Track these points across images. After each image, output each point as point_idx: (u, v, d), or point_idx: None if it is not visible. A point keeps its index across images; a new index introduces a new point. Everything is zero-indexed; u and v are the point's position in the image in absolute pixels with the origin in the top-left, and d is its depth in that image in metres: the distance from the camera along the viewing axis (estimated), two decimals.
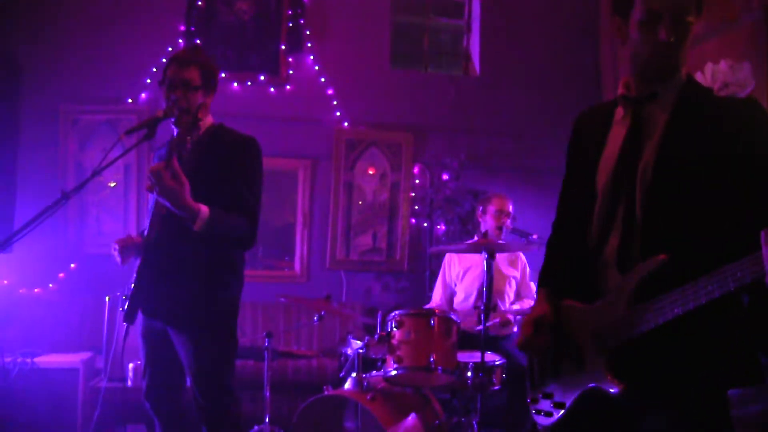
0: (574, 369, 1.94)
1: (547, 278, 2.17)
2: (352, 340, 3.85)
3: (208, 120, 3.02)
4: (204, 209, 2.66)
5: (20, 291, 5.32)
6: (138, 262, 2.76)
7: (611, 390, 1.80)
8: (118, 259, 2.87)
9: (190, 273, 2.84)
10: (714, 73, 5.01)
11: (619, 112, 2.01)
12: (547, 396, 2.03)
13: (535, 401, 2.09)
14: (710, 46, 4.90)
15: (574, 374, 1.94)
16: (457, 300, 4.74)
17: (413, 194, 6.11)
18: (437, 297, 4.84)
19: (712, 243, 1.74)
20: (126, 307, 2.65)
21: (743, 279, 1.53)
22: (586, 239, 1.97)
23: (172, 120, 2.86)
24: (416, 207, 6.11)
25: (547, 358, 2.04)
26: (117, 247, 2.87)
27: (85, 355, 4.88)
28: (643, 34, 1.84)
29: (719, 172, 1.77)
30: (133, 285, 2.68)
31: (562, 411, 1.96)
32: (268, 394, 4.04)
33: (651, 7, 1.81)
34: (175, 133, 2.97)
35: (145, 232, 2.80)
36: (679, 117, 1.86)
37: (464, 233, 5.80)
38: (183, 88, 2.89)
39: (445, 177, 6.04)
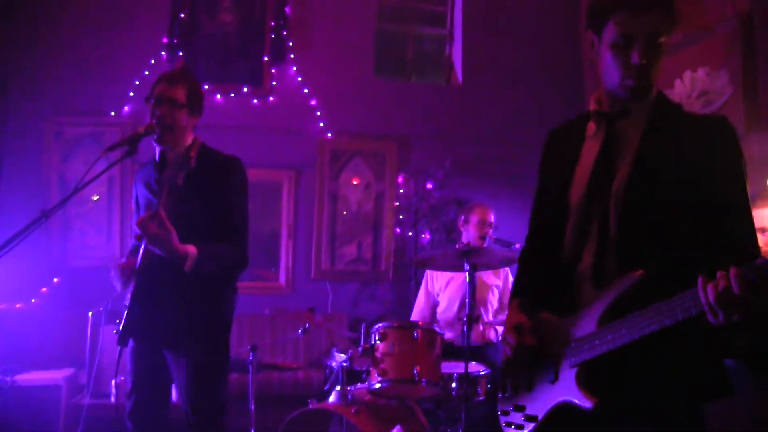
0: (547, 382, 1.94)
1: (520, 290, 2.17)
2: (336, 353, 3.84)
3: (188, 140, 2.99)
4: (192, 251, 2.68)
5: (0, 306, 5.26)
6: (130, 286, 2.76)
7: (584, 405, 1.80)
8: (119, 285, 2.85)
9: (186, 294, 2.83)
10: (692, 81, 5.05)
11: (591, 127, 2.01)
12: (519, 408, 2.02)
13: (505, 413, 2.08)
14: (689, 54, 4.94)
15: (546, 388, 1.94)
16: (440, 310, 4.75)
17: (398, 204, 6.12)
18: (419, 308, 4.83)
19: (686, 259, 1.75)
20: (120, 330, 2.64)
21: (689, 311, 1.58)
22: (559, 253, 1.97)
23: (154, 137, 2.87)
24: (401, 216, 6.12)
25: (521, 370, 2.04)
26: (119, 272, 2.83)
27: (67, 372, 4.83)
28: (616, 55, 1.84)
29: (691, 189, 1.79)
30: (126, 310, 2.67)
31: (534, 424, 1.95)
32: (253, 407, 4.03)
33: (625, 29, 1.81)
34: (156, 152, 2.97)
35: (138, 258, 2.76)
36: (652, 134, 1.87)
37: (449, 242, 5.81)
38: (169, 104, 2.88)
39: (430, 186, 6.05)
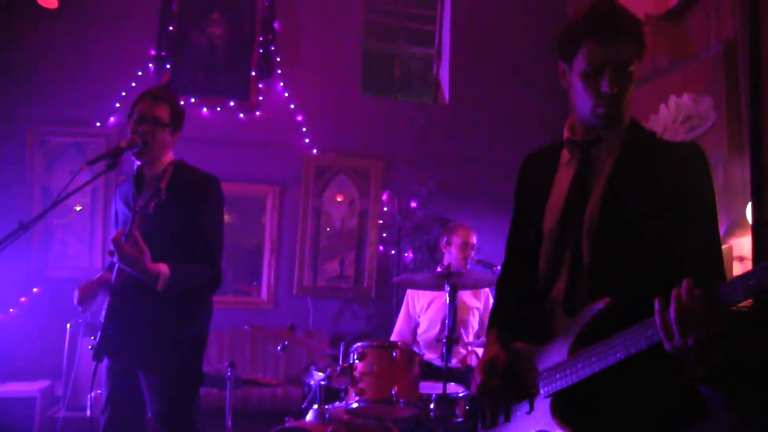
0: (524, 412, 1.93)
1: (496, 319, 2.17)
2: (314, 372, 3.83)
3: (168, 157, 3.00)
4: (164, 270, 2.68)
5: None
6: (106, 301, 2.77)
7: None
8: (77, 303, 2.87)
9: (159, 314, 2.81)
10: (677, 106, 5.09)
11: (565, 155, 2.02)
12: None
13: None
14: (674, 79, 4.98)
15: (523, 418, 1.93)
16: (421, 331, 4.74)
17: (381, 222, 6.12)
18: (400, 328, 4.82)
19: (658, 285, 1.73)
20: (95, 345, 2.66)
21: (652, 338, 1.60)
22: (533, 281, 1.97)
23: (134, 152, 2.87)
24: (384, 234, 6.12)
25: (499, 400, 2.03)
26: (78, 296, 2.87)
27: (42, 384, 4.78)
28: (586, 84, 1.85)
29: (663, 217, 1.79)
30: (101, 329, 2.68)
31: None
32: (230, 423, 4.01)
33: (595, 59, 1.82)
34: (135, 166, 2.97)
35: (113, 276, 2.78)
36: (624, 161, 1.88)
37: (432, 261, 5.81)
38: (152, 123, 2.89)
39: (414, 205, 6.06)
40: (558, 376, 1.82)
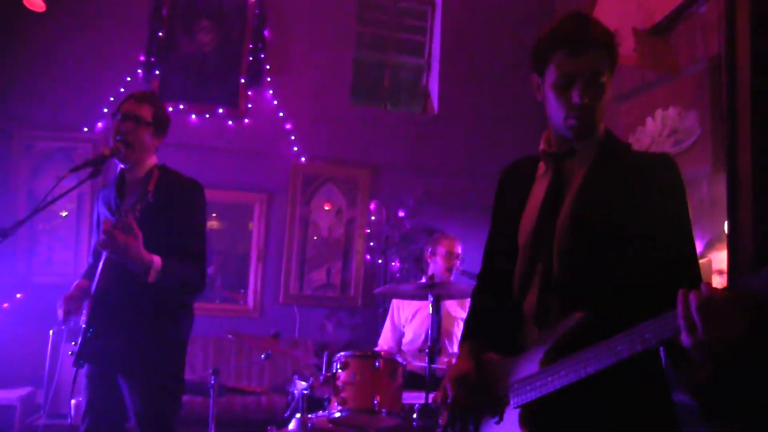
0: (493, 423, 1.93)
1: (470, 331, 2.16)
2: (297, 380, 3.81)
3: (151, 161, 3.00)
4: (157, 260, 2.69)
5: None
6: (87, 305, 2.77)
7: None
8: (60, 315, 2.86)
9: (141, 319, 2.81)
10: (663, 120, 5.12)
11: (542, 167, 2.02)
12: None
13: None
14: (661, 93, 5.01)
15: (492, 429, 1.93)
16: (406, 340, 4.73)
17: (368, 231, 6.13)
18: (385, 338, 4.81)
19: (628, 298, 1.76)
20: (76, 351, 2.66)
21: (649, 341, 1.54)
22: (507, 293, 1.97)
23: (118, 158, 2.88)
24: (371, 244, 6.12)
25: (470, 411, 2.02)
26: (62, 303, 2.86)
27: (23, 391, 4.75)
28: (558, 96, 1.85)
29: (633, 228, 1.79)
30: (82, 334, 2.68)
31: None
32: (212, 431, 3.99)
33: (565, 70, 1.82)
34: (117, 170, 2.98)
35: (95, 282, 2.77)
36: (595, 174, 1.88)
37: (418, 271, 5.81)
38: (133, 121, 2.89)
39: (401, 214, 6.07)
40: (528, 387, 1.82)
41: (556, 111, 1.88)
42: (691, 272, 1.80)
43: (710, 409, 2.96)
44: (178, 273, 2.78)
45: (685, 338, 1.47)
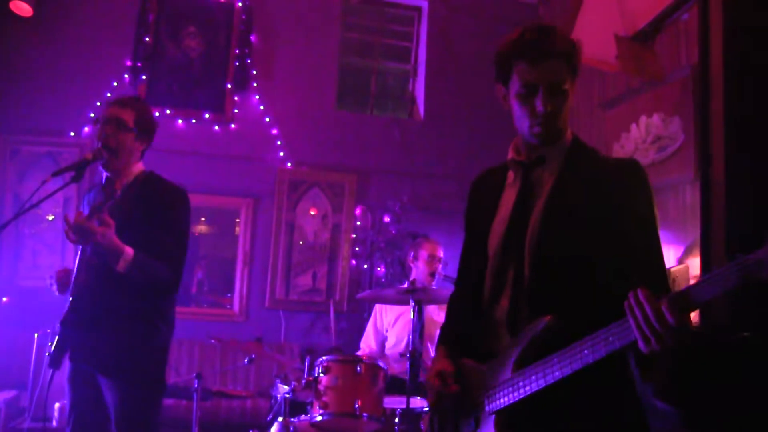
0: (470, 429, 1.96)
1: (445, 337, 2.20)
2: (279, 384, 3.84)
3: (138, 167, 3.01)
4: (129, 251, 2.69)
5: None
6: (65, 306, 2.77)
7: None
8: (56, 290, 2.89)
9: (119, 320, 2.82)
10: (647, 126, 5.17)
11: (511, 175, 2.06)
12: None
13: None
14: (644, 99, 5.06)
15: None
16: (388, 345, 4.76)
17: (354, 236, 6.15)
18: (367, 342, 4.84)
19: (598, 302, 1.79)
20: (52, 352, 2.65)
21: (612, 344, 1.59)
22: (480, 301, 2.00)
23: (101, 163, 2.89)
24: (357, 248, 6.15)
25: (447, 416, 2.06)
26: (55, 279, 2.88)
27: (8, 394, 4.76)
28: (522, 104, 1.91)
29: (601, 233, 1.82)
30: (59, 332, 2.68)
31: None
32: None
33: (527, 80, 1.88)
34: (104, 177, 2.99)
35: (71, 281, 2.79)
36: (563, 180, 1.92)
37: (404, 276, 5.83)
38: (115, 125, 2.90)
39: (387, 219, 6.10)
40: (501, 393, 1.85)
41: (521, 119, 1.93)
42: (657, 277, 1.82)
43: (688, 416, 3.01)
44: (149, 268, 2.78)
45: (642, 347, 1.54)
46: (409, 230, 6.03)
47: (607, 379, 1.79)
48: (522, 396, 1.79)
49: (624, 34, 4.82)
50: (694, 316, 3.32)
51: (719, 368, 2.99)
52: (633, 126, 5.22)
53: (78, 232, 2.61)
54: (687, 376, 3.01)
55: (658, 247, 1.87)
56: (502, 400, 1.85)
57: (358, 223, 6.16)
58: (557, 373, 1.70)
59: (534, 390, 1.76)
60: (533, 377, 1.76)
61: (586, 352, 1.64)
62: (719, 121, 3.43)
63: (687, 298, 1.49)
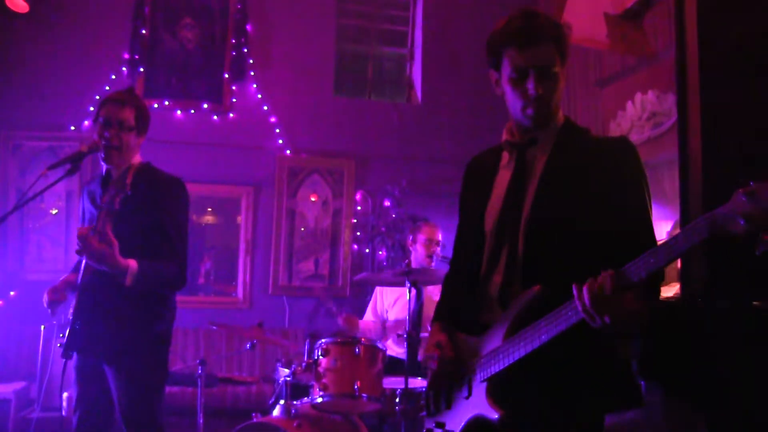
0: (462, 398, 2.02)
1: (440, 313, 2.26)
2: (280, 368, 3.89)
3: (135, 159, 3.06)
4: (132, 265, 2.75)
5: None
6: (74, 299, 2.84)
7: (492, 417, 1.88)
8: (47, 307, 2.95)
9: (123, 309, 2.87)
10: (643, 103, 5.17)
11: (505, 156, 2.11)
12: (440, 425, 2.08)
13: (429, 431, 2.16)
14: (640, 77, 5.06)
15: (462, 403, 2.02)
16: (389, 326, 4.81)
17: (355, 221, 6.19)
18: (367, 324, 4.87)
19: (587, 275, 1.81)
20: (64, 343, 2.73)
21: (570, 319, 1.72)
22: (475, 279, 2.06)
23: (101, 155, 2.94)
24: (358, 233, 6.19)
25: (441, 388, 2.12)
26: (47, 299, 2.95)
27: (18, 385, 4.84)
28: (514, 89, 1.96)
29: (593, 210, 1.88)
30: (69, 326, 2.75)
31: None
32: (201, 421, 4.05)
33: (517, 64, 1.93)
34: (103, 168, 3.04)
35: (80, 275, 2.84)
36: (555, 160, 1.98)
37: (405, 259, 5.86)
38: (117, 127, 2.94)
39: (387, 204, 6.13)
40: (492, 361, 1.91)
41: (514, 103, 1.99)
42: (646, 244, 1.83)
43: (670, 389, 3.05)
44: (155, 274, 2.84)
45: (590, 322, 1.67)
46: (409, 214, 6.07)
47: (596, 343, 1.84)
48: (512, 361, 1.85)
49: (613, 12, 4.82)
50: (676, 289, 3.37)
51: (699, 340, 3.02)
52: (629, 103, 5.22)
53: (81, 244, 2.67)
54: (666, 351, 3.05)
55: (648, 224, 1.92)
56: (493, 368, 1.91)
57: (359, 208, 6.20)
58: (543, 336, 1.77)
59: (523, 354, 1.82)
60: (522, 343, 1.82)
61: (570, 313, 1.71)
62: (695, 97, 3.44)
63: (627, 272, 1.63)
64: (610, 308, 1.63)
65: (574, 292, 1.67)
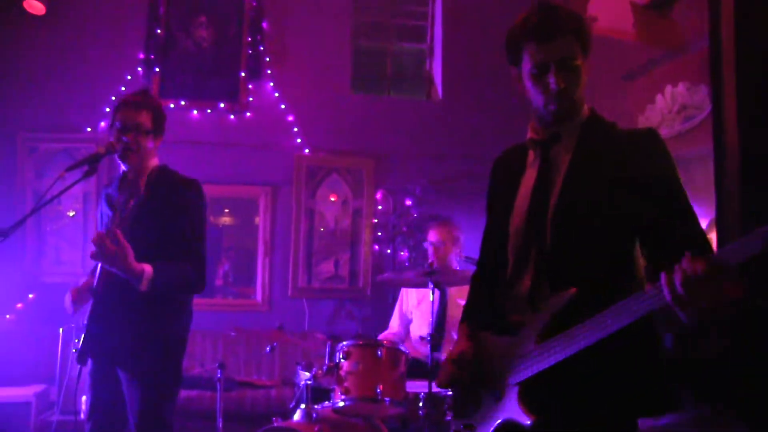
0: (492, 401, 1.98)
1: (469, 314, 2.24)
2: (300, 371, 3.81)
3: (153, 162, 3.05)
4: (147, 270, 2.71)
5: None
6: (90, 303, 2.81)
7: (524, 422, 1.83)
8: (71, 309, 2.95)
9: (138, 313, 2.85)
10: (673, 95, 5.04)
11: (531, 155, 2.08)
12: (468, 427, 2.06)
13: None
14: (669, 69, 4.93)
15: (492, 406, 1.98)
16: (413, 328, 4.73)
17: (376, 220, 6.09)
18: (394, 325, 4.83)
19: (618, 276, 1.82)
20: (79, 348, 2.70)
21: (636, 314, 1.60)
22: (503, 278, 2.03)
23: (118, 156, 2.92)
24: (379, 233, 6.09)
25: (469, 390, 2.08)
26: (71, 296, 2.95)
27: (38, 388, 4.85)
28: (535, 84, 1.93)
29: (622, 205, 1.82)
30: (85, 330, 2.72)
31: None
32: (220, 425, 4.02)
33: (537, 59, 1.90)
34: (121, 170, 3.01)
35: (95, 279, 2.81)
36: (580, 155, 1.93)
37: (427, 260, 5.77)
38: (135, 131, 2.93)
39: (408, 203, 6.03)
40: (524, 365, 1.87)
41: (536, 98, 1.96)
42: (695, 230, 1.81)
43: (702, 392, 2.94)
44: (172, 278, 2.82)
45: (681, 316, 1.53)
46: (431, 213, 5.95)
47: (630, 352, 1.79)
48: (545, 367, 1.80)
49: (640, 2, 4.70)
50: None
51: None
52: (658, 96, 5.09)
53: (96, 248, 2.63)
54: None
55: (691, 210, 1.84)
56: (525, 372, 1.86)
57: (380, 207, 6.10)
58: (581, 343, 1.71)
59: (557, 360, 1.77)
60: (557, 348, 1.78)
61: (609, 321, 1.65)
62: (731, 91, 3.31)
63: (724, 255, 1.46)
64: (707, 292, 1.47)
65: (662, 279, 1.51)
